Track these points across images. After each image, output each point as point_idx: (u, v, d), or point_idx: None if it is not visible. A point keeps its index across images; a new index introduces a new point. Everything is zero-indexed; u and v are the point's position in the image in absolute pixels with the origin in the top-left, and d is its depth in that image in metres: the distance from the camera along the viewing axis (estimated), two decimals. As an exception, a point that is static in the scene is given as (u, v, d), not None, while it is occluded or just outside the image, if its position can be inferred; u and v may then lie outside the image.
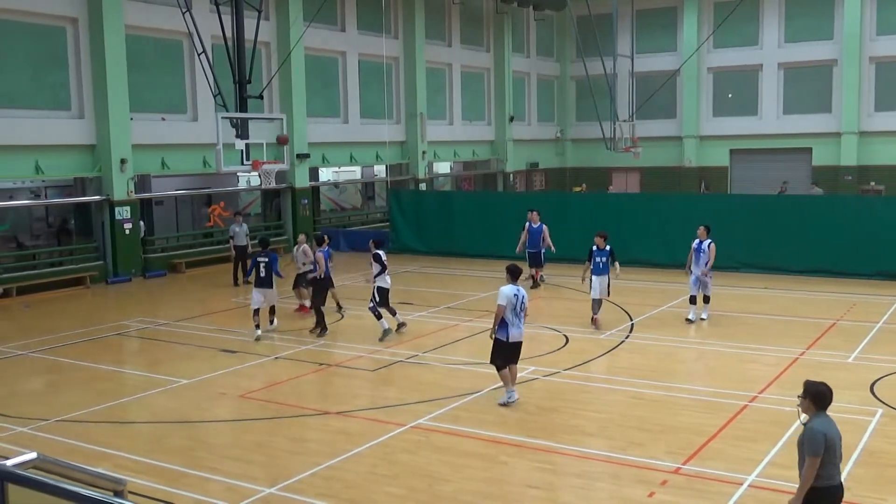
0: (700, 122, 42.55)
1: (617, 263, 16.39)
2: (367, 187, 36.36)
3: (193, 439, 10.67)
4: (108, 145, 23.55)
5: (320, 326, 16.15)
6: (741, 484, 8.73)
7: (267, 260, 16.32)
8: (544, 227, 20.96)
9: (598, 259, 16.11)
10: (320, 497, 8.65)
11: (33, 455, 3.47)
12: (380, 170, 35.20)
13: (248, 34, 21.67)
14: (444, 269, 24.78)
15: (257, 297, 16.13)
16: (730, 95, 41.89)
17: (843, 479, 6.51)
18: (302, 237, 18.82)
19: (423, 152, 35.66)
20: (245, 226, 23.43)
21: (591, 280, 16.27)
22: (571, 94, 46.47)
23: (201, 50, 21.41)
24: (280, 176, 26.79)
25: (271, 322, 16.62)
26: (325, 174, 33.33)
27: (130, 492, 4.05)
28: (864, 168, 38.37)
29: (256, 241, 19.22)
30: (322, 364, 14.20)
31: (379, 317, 15.71)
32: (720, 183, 41.62)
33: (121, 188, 23.91)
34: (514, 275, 11.74)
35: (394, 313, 16.05)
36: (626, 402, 11.74)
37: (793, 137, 39.73)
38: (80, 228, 24.93)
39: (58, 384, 13.48)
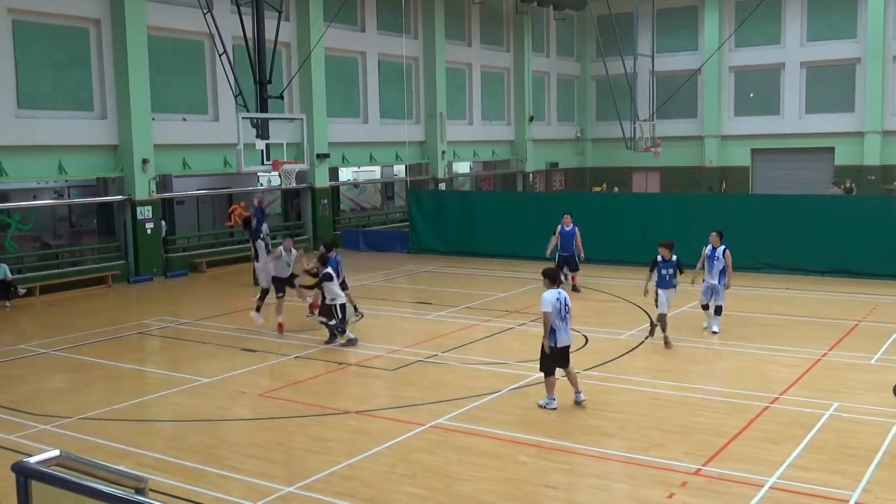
0: (721, 121, 42.30)
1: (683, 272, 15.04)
2: (387, 187, 36.42)
3: (214, 438, 10.74)
4: (130, 145, 23.74)
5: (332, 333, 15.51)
6: (762, 486, 8.66)
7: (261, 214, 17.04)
8: (577, 230, 20.30)
9: (664, 271, 14.63)
10: (339, 496, 8.67)
11: (56, 453, 3.50)
12: (399, 170, 35.24)
13: (269, 34, 21.79)
14: (464, 268, 24.78)
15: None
16: (751, 95, 41.63)
17: (864, 483, 6.46)
18: (288, 241, 17.38)
19: (443, 152, 35.69)
20: (265, 226, 23.48)
21: (656, 294, 14.77)
22: (591, 93, 46.34)
23: (222, 50, 21.55)
24: (300, 176, 26.88)
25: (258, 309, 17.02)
26: (345, 174, 33.43)
27: (152, 489, 4.09)
28: (887, 168, 38.03)
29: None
30: (341, 363, 14.24)
31: (343, 331, 15.25)
32: (741, 183, 41.37)
33: (142, 188, 24.09)
34: (552, 279, 11.51)
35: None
36: (645, 402, 11.69)
37: (815, 137, 39.43)
38: (102, 228, 25.14)
39: (80, 382, 13.60)
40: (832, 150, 39.41)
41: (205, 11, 21.45)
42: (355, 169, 33.59)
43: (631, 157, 38.65)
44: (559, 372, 11.46)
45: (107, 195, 24.35)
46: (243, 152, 19.76)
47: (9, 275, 20.78)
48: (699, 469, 9.17)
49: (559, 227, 20.39)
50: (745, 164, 41.87)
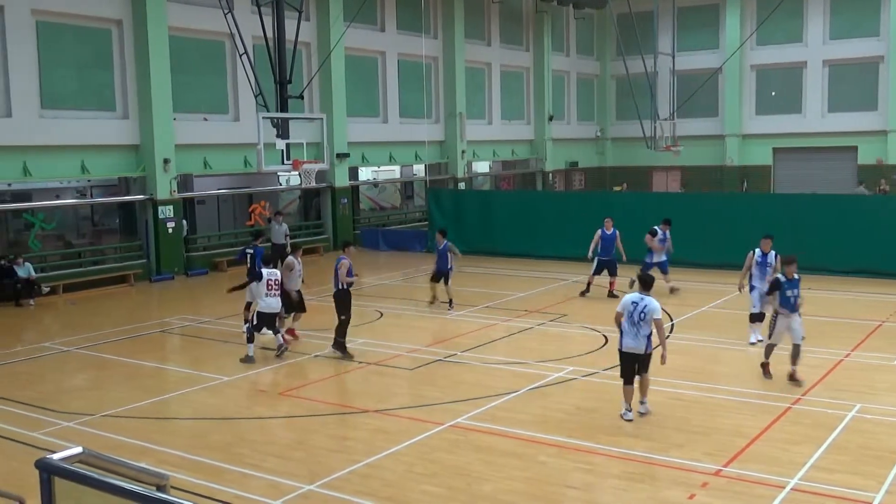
0: (742, 120, 42.02)
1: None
2: (406, 187, 36.44)
3: (234, 436, 10.78)
4: (152, 145, 23.90)
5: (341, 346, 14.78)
6: (783, 487, 8.60)
7: (252, 252, 16.74)
8: (618, 233, 19.81)
9: (788, 293, 12.52)
10: (359, 495, 8.69)
11: (79, 450, 3.53)
12: (419, 169, 35.27)
13: (289, 34, 21.86)
14: (483, 268, 24.74)
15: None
16: (773, 93, 41.31)
17: (887, 485, 6.39)
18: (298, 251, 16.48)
19: (462, 152, 35.68)
20: (285, 225, 23.61)
21: (773, 320, 12.75)
22: (611, 92, 46.15)
23: (243, 50, 21.66)
24: (320, 175, 26.94)
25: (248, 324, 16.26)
26: (365, 173, 33.49)
27: (173, 487, 4.11)
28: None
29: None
30: (361, 362, 14.26)
31: (251, 340, 14.56)
32: (763, 182, 41.08)
33: (164, 188, 24.25)
34: (646, 284, 11.00)
35: (277, 332, 14.78)
36: (666, 402, 11.62)
37: (837, 136, 39.08)
38: (124, 227, 25.33)
39: (103, 380, 13.70)
40: (855, 149, 39.04)
41: (225, 12, 21.57)
42: (375, 168, 33.65)
43: (651, 156, 38.48)
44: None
45: (129, 195, 24.54)
46: (264, 152, 19.84)
47: (33, 273, 20.99)
48: (720, 470, 9.11)
49: (600, 230, 19.77)
50: (766, 164, 41.56)
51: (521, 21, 40.14)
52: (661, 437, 10.23)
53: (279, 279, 14.79)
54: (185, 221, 25.43)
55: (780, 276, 12.78)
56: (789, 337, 12.54)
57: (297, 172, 21.54)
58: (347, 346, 14.61)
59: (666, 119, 37.15)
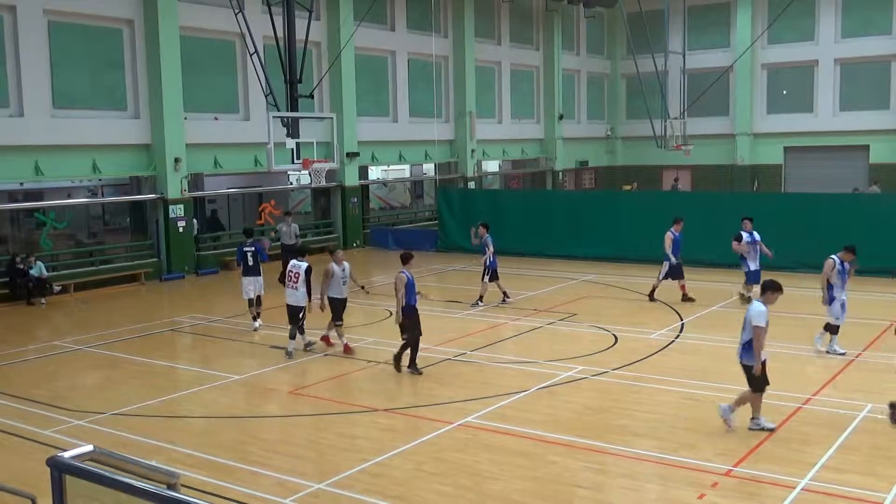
0: (753, 119, 41.86)
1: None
2: (416, 186, 36.48)
3: (244, 434, 10.82)
4: (163, 145, 23.99)
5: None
6: (794, 487, 8.56)
7: (253, 249, 16.96)
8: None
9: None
10: (368, 493, 8.70)
11: (90, 448, 3.55)
12: (429, 168, 35.29)
13: (300, 34, 21.88)
14: (493, 267, 24.68)
15: (248, 287, 16.81)
16: (784, 92, 41.13)
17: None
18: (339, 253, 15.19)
19: (472, 151, 35.66)
20: (295, 225, 23.64)
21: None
22: (622, 91, 46.05)
23: (253, 50, 21.72)
24: (330, 174, 27.00)
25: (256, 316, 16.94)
26: (375, 173, 33.53)
27: (183, 485, 4.12)
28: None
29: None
30: (370, 361, 14.28)
31: (292, 336, 14.74)
32: (774, 181, 40.92)
33: (175, 187, 24.34)
34: (763, 288, 10.46)
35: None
36: (676, 402, 11.60)
37: (849, 135, 38.87)
38: (135, 226, 25.43)
39: (114, 379, 13.76)
40: (867, 147, 38.84)
41: (236, 12, 21.63)
42: (385, 168, 33.69)
43: (661, 155, 38.39)
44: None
45: (140, 194, 24.64)
46: (274, 151, 19.90)
47: (44, 272, 21.10)
48: (730, 470, 9.08)
49: (671, 233, 18.77)
50: (777, 163, 41.40)
51: (531, 20, 40.09)
52: (671, 436, 10.21)
53: (300, 271, 14.57)
54: (195, 220, 25.51)
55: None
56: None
57: (307, 172, 21.59)
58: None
59: (676, 118, 37.06)
